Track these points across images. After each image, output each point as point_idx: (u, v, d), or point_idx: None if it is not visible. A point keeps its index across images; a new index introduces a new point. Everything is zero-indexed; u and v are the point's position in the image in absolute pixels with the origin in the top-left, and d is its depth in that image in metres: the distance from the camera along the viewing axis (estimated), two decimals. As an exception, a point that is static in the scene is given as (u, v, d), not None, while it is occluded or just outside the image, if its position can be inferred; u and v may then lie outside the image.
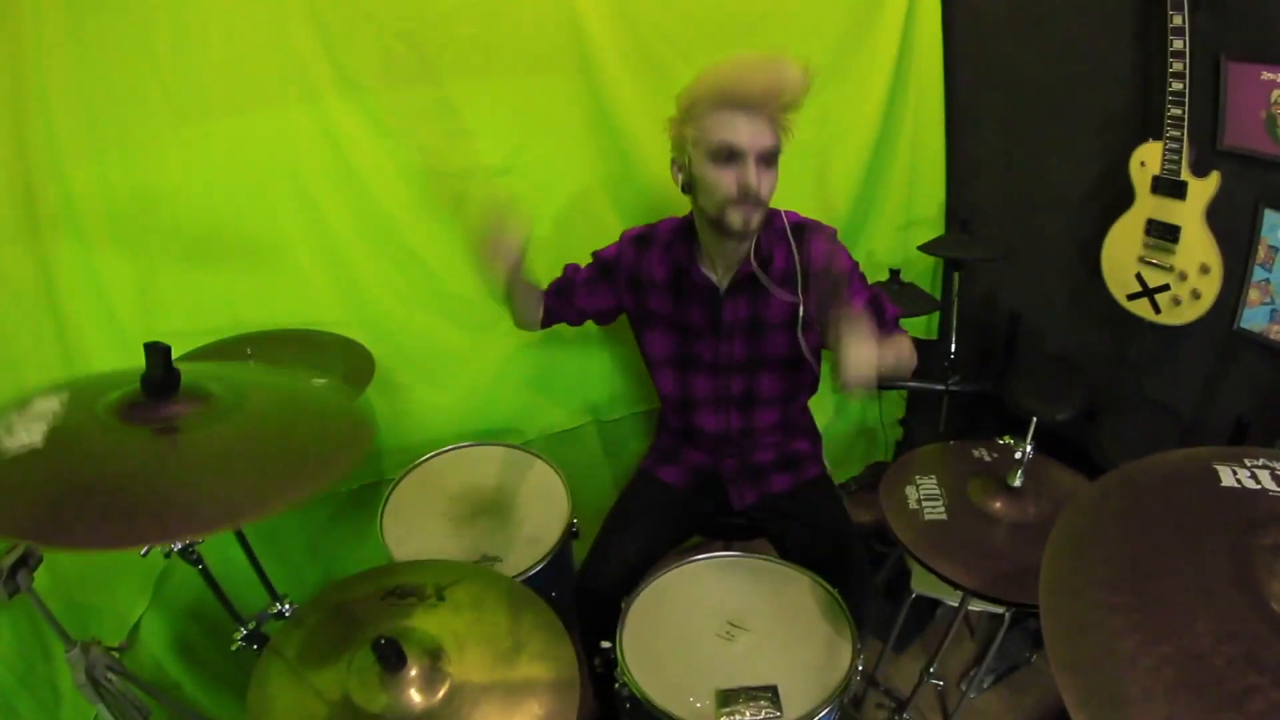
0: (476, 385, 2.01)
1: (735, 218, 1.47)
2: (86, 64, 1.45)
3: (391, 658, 1.11)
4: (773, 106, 1.43)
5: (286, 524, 1.93)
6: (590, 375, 2.18)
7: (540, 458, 1.87)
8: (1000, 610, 1.73)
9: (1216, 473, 0.87)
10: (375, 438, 1.94)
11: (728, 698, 1.31)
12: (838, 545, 1.66)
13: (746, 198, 1.45)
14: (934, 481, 1.39)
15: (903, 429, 2.75)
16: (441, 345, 1.94)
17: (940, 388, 2.19)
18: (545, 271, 1.90)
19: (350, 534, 2.01)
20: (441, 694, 1.13)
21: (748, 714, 1.28)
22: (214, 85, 1.56)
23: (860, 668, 1.38)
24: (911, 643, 2.20)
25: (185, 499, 0.93)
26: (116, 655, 1.15)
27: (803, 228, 1.62)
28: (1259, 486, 0.84)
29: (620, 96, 1.90)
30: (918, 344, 2.53)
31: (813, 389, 1.82)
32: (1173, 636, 0.70)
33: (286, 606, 1.49)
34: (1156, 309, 1.85)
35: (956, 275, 2.22)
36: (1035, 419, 1.29)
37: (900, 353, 1.53)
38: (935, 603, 2.10)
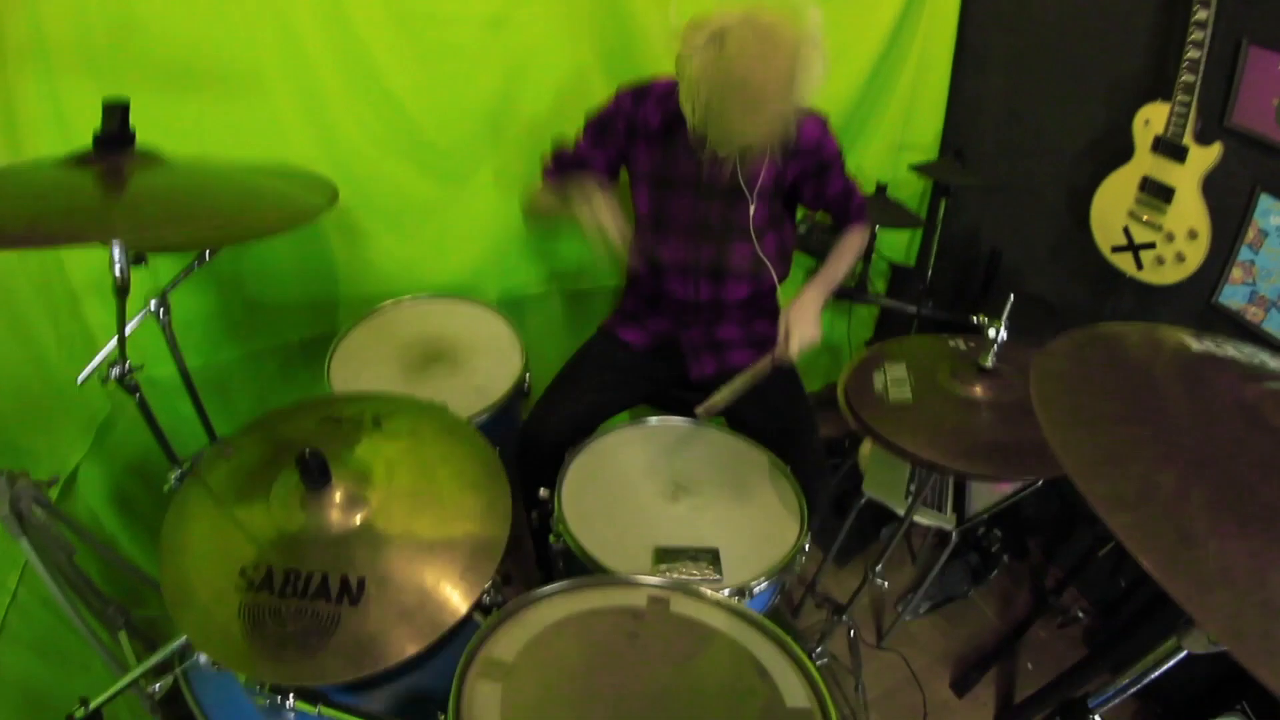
0: (443, 239, 1.93)
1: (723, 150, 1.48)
2: None
3: (315, 472, 1.07)
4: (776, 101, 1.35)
5: (234, 375, 1.86)
6: (561, 243, 2.12)
7: (499, 314, 1.82)
8: (948, 528, 1.71)
9: (1183, 339, 0.86)
10: (334, 287, 1.90)
11: (666, 555, 1.28)
12: (794, 425, 1.64)
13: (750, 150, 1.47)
14: (903, 367, 1.36)
15: (866, 350, 2.70)
16: (411, 194, 1.85)
17: (913, 309, 2.16)
18: (525, 134, 1.86)
19: (299, 386, 1.95)
20: (359, 519, 1.08)
21: (684, 573, 1.25)
22: None
23: (806, 548, 1.35)
24: (853, 557, 2.21)
25: (132, 213, 0.93)
26: (44, 489, 1.08)
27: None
28: (1228, 355, 0.82)
29: None
30: (894, 268, 2.52)
31: (783, 274, 1.78)
32: (1211, 468, 0.66)
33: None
34: (1139, 265, 1.85)
35: (943, 201, 2.19)
36: (1012, 298, 1.26)
37: (850, 256, 1.69)
38: (880, 520, 2.10)
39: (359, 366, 1.64)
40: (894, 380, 1.36)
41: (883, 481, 1.79)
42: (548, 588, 1.14)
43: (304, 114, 1.67)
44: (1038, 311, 2.11)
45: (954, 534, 1.73)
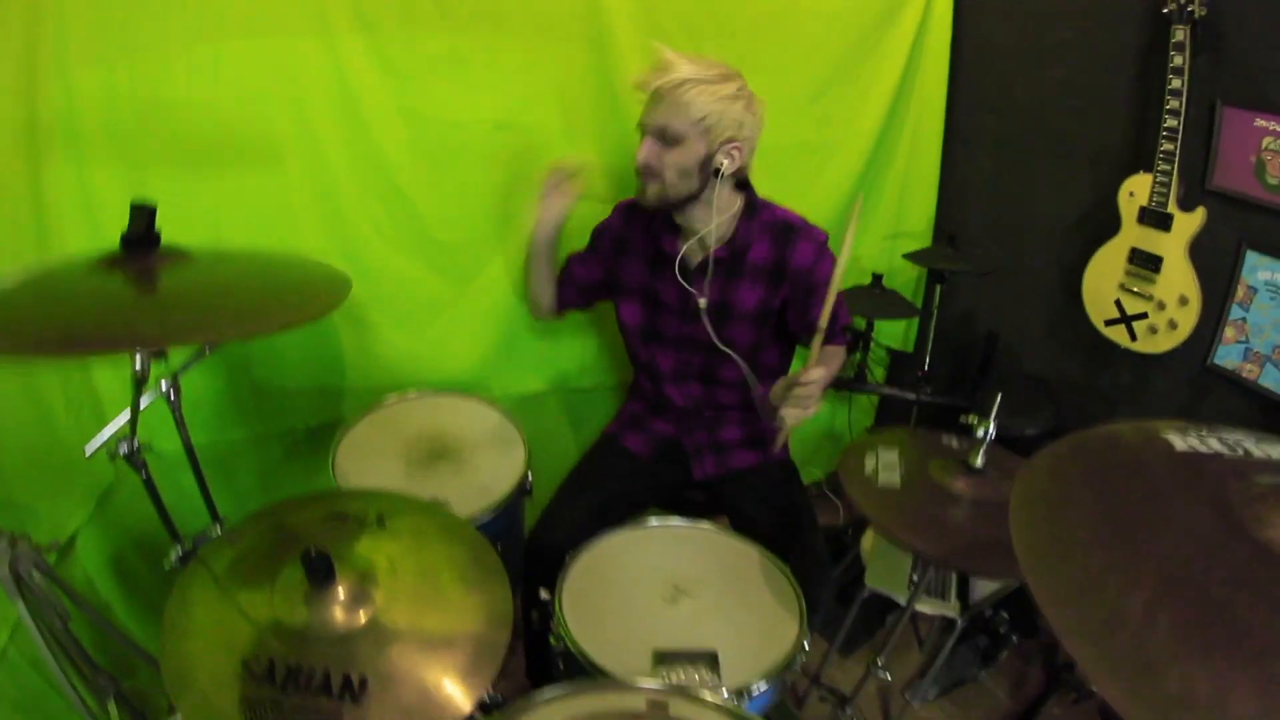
0: (448, 336, 1.98)
1: (640, 187, 1.56)
2: None
3: (320, 571, 1.08)
4: (659, 87, 1.48)
5: (239, 456, 1.89)
6: (564, 341, 2.17)
7: (503, 412, 1.84)
8: (953, 615, 1.70)
9: (1167, 439, 0.87)
10: (341, 378, 1.94)
11: (665, 658, 1.28)
12: (795, 525, 1.65)
13: (642, 169, 1.54)
14: (895, 454, 1.39)
15: (865, 435, 2.73)
16: (418, 290, 1.92)
17: (912, 397, 2.18)
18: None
19: (302, 472, 1.97)
20: (363, 618, 1.09)
21: (684, 677, 1.25)
22: (231, 6, 1.55)
23: (807, 647, 1.35)
24: (859, 647, 2.17)
25: (159, 318, 1.00)
26: (44, 553, 1.11)
27: (791, 228, 1.63)
28: (1213, 450, 0.84)
29: (628, 75, 1.88)
30: (893, 355, 2.57)
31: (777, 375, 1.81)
32: (1182, 588, 0.68)
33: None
34: (1133, 336, 1.87)
35: (938, 288, 2.23)
36: (1000, 396, 1.29)
37: (832, 370, 1.63)
38: (885, 608, 2.08)
39: (364, 460, 1.66)
40: (885, 465, 1.39)
41: (885, 572, 1.79)
42: (548, 690, 1.13)
43: (316, 204, 1.75)
44: (1034, 392, 2.13)
45: (959, 621, 1.73)
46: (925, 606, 1.71)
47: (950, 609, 1.71)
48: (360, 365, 1.93)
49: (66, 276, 1.06)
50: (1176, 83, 1.65)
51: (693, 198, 1.55)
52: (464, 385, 1.95)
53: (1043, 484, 0.88)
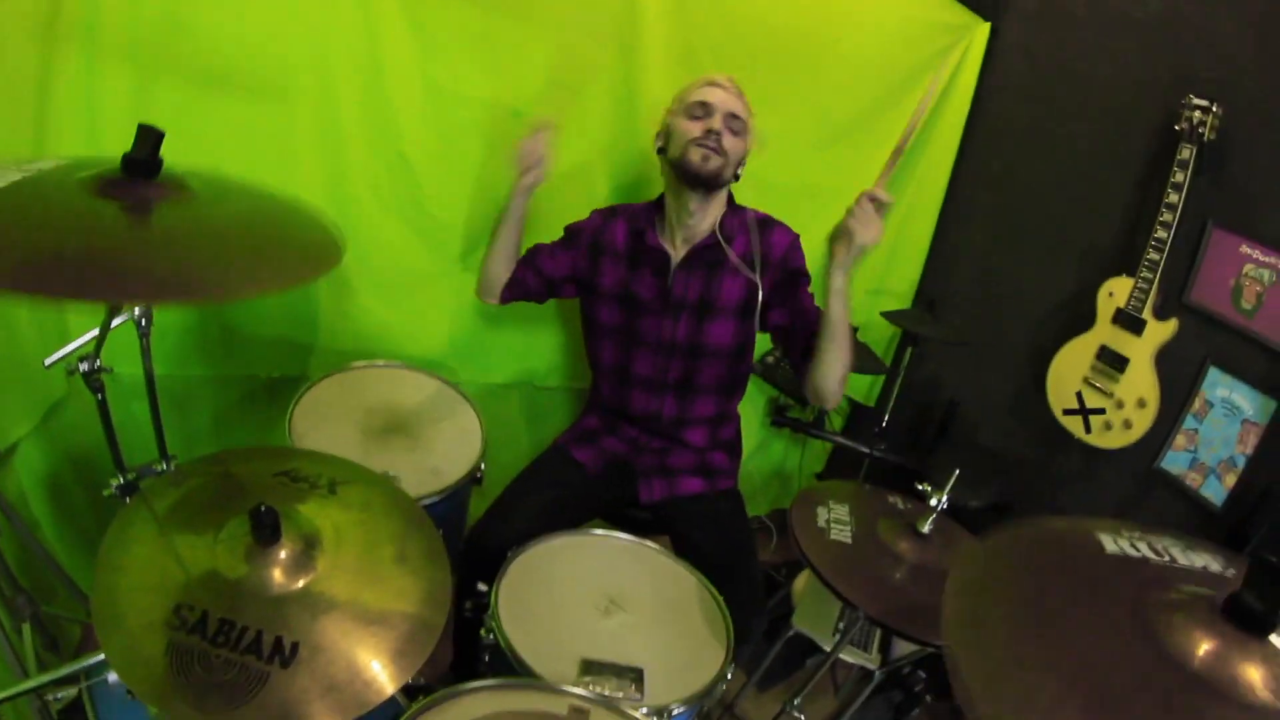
0: (425, 311, 1.97)
1: (695, 154, 1.61)
2: None
3: (267, 528, 1.07)
4: (728, 79, 1.67)
5: (196, 393, 1.86)
6: (538, 339, 2.17)
7: (465, 397, 1.84)
8: (872, 667, 1.74)
9: (1099, 540, 0.91)
10: (313, 334, 1.92)
11: (591, 667, 1.29)
12: (736, 556, 1.67)
13: (709, 137, 1.61)
14: (846, 510, 1.42)
15: (816, 482, 2.77)
16: (404, 260, 1.90)
17: (866, 450, 2.22)
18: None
19: (256, 422, 1.94)
20: (302, 582, 1.07)
21: (607, 689, 1.26)
22: None
23: (729, 676, 1.38)
24: (776, 684, 2.20)
25: (147, 268, 0.92)
26: None
27: (768, 221, 1.73)
28: (1140, 555, 0.88)
29: (650, 85, 1.92)
30: (854, 406, 2.60)
31: (739, 398, 1.87)
32: (1091, 682, 0.72)
33: (172, 467, 1.42)
34: (1088, 429, 1.93)
35: (910, 350, 2.28)
36: (957, 471, 1.32)
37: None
38: (807, 650, 2.11)
39: (320, 421, 1.63)
40: (835, 520, 1.41)
41: (813, 616, 1.82)
42: (475, 682, 1.14)
43: (320, 152, 1.73)
44: (985, 465, 2.19)
45: (876, 673, 1.76)
46: (848, 655, 1.74)
47: (871, 660, 1.75)
48: (333, 325, 1.91)
49: (58, 191, 1.00)
50: (1174, 197, 1.72)
51: (724, 185, 1.67)
52: (431, 364, 1.94)
53: (979, 566, 0.92)
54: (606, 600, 1.44)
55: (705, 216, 1.69)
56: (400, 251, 1.89)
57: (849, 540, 1.34)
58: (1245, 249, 1.69)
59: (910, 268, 2.50)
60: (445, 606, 1.13)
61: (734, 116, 1.64)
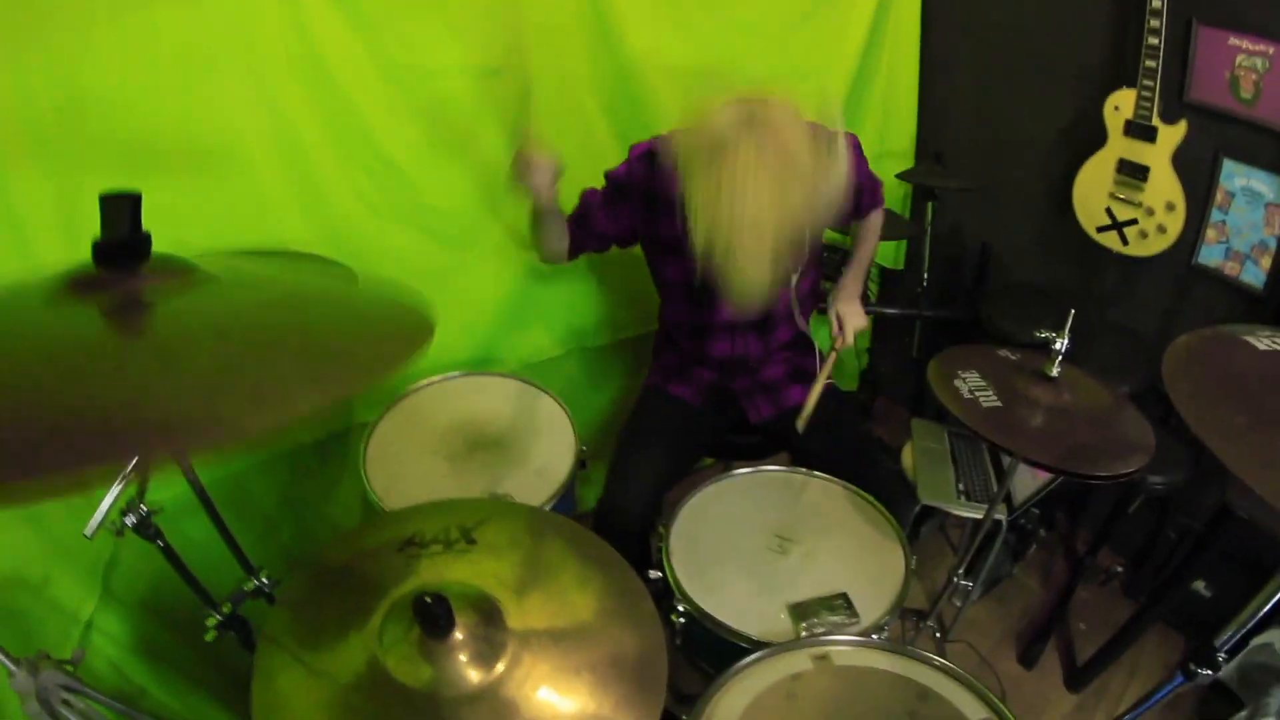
0: (455, 309, 1.80)
1: None
2: None
3: (440, 617, 0.90)
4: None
5: (245, 488, 1.66)
6: (576, 299, 2.04)
7: (534, 385, 1.73)
8: (1002, 519, 1.73)
9: (1248, 342, 0.90)
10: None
11: (803, 610, 1.26)
12: (862, 452, 1.65)
13: None
14: (977, 375, 1.38)
15: (869, 356, 2.77)
16: (418, 264, 1.72)
17: (915, 313, 2.21)
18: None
19: (318, 489, 1.78)
20: (503, 661, 0.92)
21: (827, 623, 1.23)
22: None
23: (913, 567, 1.35)
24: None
25: (156, 403, 0.61)
26: (71, 670, 0.92)
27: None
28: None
29: (621, 6, 1.76)
30: (885, 273, 2.54)
31: (815, 305, 1.80)
32: None
33: (265, 581, 1.27)
34: (1125, 241, 1.95)
35: (930, 205, 2.24)
36: (1073, 311, 1.32)
37: (873, 238, 1.81)
38: (919, 521, 2.14)
39: (399, 466, 1.50)
40: (976, 388, 1.37)
41: (933, 486, 1.83)
42: (714, 682, 1.09)
43: (290, 187, 1.53)
44: (1035, 298, 2.18)
45: (1004, 523, 1.78)
46: (976, 513, 1.76)
47: (999, 511, 1.75)
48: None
49: (14, 316, 0.70)
50: (1157, 2, 1.70)
51: None
52: (477, 360, 1.81)
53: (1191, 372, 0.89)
54: (776, 539, 1.40)
55: None
56: (411, 256, 1.71)
57: (1000, 404, 1.32)
58: (1234, 41, 1.69)
59: (905, 126, 2.42)
60: (656, 618, 1.03)
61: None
